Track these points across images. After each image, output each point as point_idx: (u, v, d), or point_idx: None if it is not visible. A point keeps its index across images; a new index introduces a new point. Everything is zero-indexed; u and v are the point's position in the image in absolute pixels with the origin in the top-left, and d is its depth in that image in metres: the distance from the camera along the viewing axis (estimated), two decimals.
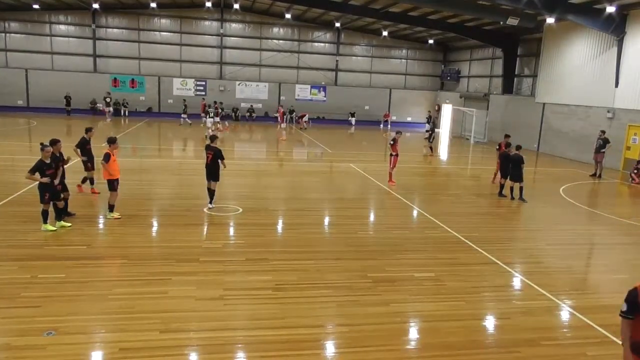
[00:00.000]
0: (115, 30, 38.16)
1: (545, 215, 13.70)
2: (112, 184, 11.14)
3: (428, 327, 6.86)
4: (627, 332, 4.30)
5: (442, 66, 42.76)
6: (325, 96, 41.52)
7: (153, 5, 34.52)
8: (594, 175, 20.50)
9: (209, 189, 12.32)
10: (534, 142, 28.48)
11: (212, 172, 12.18)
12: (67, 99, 36.83)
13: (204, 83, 39.45)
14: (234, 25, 39.64)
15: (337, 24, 38.43)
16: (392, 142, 16.54)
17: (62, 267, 8.16)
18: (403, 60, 42.57)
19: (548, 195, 16.31)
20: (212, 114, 30.42)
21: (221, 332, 6.32)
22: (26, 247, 9.08)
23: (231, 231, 10.89)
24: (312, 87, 41.22)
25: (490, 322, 7.17)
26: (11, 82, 36.61)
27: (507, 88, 32.82)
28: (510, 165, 15.06)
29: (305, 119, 36.01)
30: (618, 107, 23.08)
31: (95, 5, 34.36)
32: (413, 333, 6.73)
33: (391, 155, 16.47)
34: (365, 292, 7.78)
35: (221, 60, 39.71)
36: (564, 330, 7.07)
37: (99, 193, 13.12)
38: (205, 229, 10.93)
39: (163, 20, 38.59)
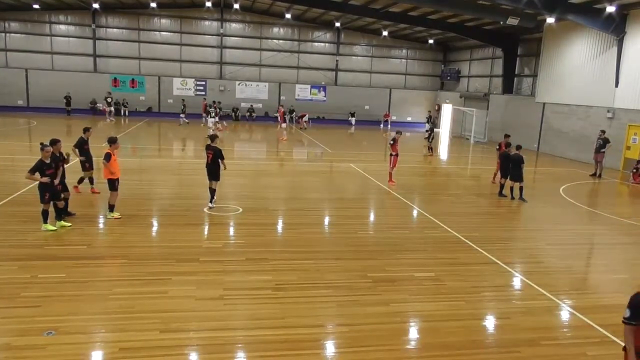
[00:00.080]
0: (115, 30, 38.16)
1: (545, 215, 13.70)
2: (113, 184, 11.14)
3: (428, 327, 6.86)
4: (631, 338, 4.19)
5: (442, 66, 42.76)
6: (325, 96, 41.52)
7: (153, 5, 34.54)
8: (594, 175, 20.50)
9: (210, 188, 12.35)
10: (534, 142, 28.48)
11: (213, 172, 12.21)
12: (67, 99, 36.84)
13: (204, 83, 39.46)
14: (234, 25, 39.64)
15: (337, 24, 38.43)
16: (392, 142, 16.53)
17: (62, 267, 8.16)
18: (403, 60, 42.57)
19: (548, 195, 16.31)
20: (213, 114, 30.48)
21: (221, 332, 6.32)
22: (26, 247, 9.08)
23: (231, 231, 10.90)
24: (312, 87, 41.22)
25: (490, 322, 7.17)
26: (11, 82, 36.62)
27: (507, 88, 32.82)
28: (511, 165, 15.06)
29: (305, 118, 36.01)
30: (618, 107, 23.07)
31: (95, 5, 34.38)
32: (413, 333, 6.73)
33: (391, 155, 16.47)
34: (365, 292, 7.78)
35: (221, 60, 39.71)
36: (564, 330, 7.07)
37: (99, 193, 13.13)
38: (205, 229, 10.93)
39: (163, 20, 38.59)
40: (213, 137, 12.63)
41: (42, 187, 9.82)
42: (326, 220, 12.42)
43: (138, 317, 6.63)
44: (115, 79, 38.33)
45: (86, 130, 13.34)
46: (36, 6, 34.52)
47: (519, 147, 15.23)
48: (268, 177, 17.68)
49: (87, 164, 13.12)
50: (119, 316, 6.62)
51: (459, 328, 6.76)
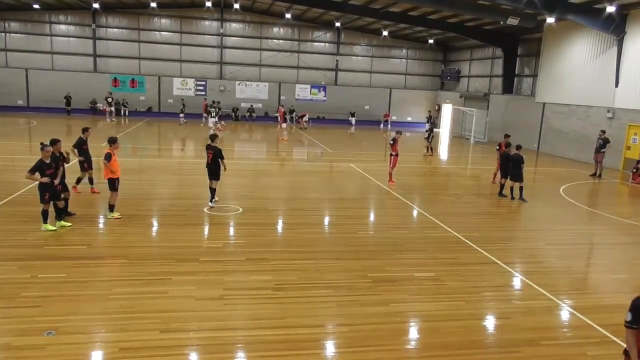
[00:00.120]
0: (115, 30, 38.15)
1: (545, 215, 13.70)
2: (113, 183, 11.14)
3: (428, 327, 6.86)
4: (633, 341, 4.18)
5: (442, 66, 42.75)
6: (325, 96, 41.52)
7: (153, 5, 34.53)
8: (594, 175, 20.50)
9: (210, 188, 12.38)
10: (534, 142, 28.48)
11: (213, 172, 12.24)
12: (67, 98, 36.83)
13: (204, 83, 39.46)
14: (234, 25, 39.63)
15: (337, 24, 38.43)
16: (392, 142, 16.53)
17: (62, 267, 8.16)
18: (403, 60, 42.56)
19: (548, 195, 16.31)
20: (213, 114, 30.50)
21: (221, 332, 6.32)
22: (26, 247, 9.08)
23: (231, 231, 10.90)
24: (312, 87, 41.21)
25: (490, 322, 7.17)
26: (11, 82, 36.62)
27: (507, 88, 32.82)
28: (511, 165, 15.06)
29: (306, 118, 36.00)
30: (618, 107, 23.07)
31: (96, 5, 34.38)
32: (413, 333, 6.74)
33: (391, 155, 16.47)
34: (365, 292, 7.78)
35: (221, 60, 39.71)
36: (564, 330, 7.07)
37: (99, 193, 13.13)
38: (205, 229, 10.93)
39: (163, 20, 38.59)
40: (213, 137, 12.65)
41: (42, 187, 9.82)
42: (326, 220, 12.42)
43: (138, 317, 6.63)
44: (115, 78, 38.33)
45: (85, 130, 13.32)
46: (36, 6, 34.52)
47: (519, 147, 15.23)
48: (268, 177, 17.68)
49: (85, 164, 13.11)
50: (119, 316, 6.62)
51: (459, 328, 6.76)
